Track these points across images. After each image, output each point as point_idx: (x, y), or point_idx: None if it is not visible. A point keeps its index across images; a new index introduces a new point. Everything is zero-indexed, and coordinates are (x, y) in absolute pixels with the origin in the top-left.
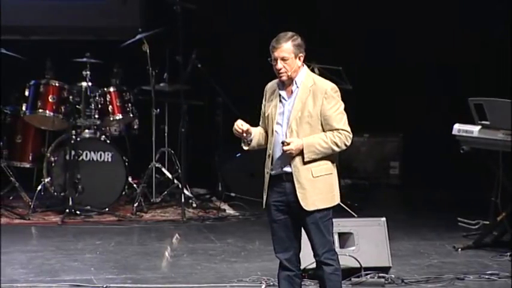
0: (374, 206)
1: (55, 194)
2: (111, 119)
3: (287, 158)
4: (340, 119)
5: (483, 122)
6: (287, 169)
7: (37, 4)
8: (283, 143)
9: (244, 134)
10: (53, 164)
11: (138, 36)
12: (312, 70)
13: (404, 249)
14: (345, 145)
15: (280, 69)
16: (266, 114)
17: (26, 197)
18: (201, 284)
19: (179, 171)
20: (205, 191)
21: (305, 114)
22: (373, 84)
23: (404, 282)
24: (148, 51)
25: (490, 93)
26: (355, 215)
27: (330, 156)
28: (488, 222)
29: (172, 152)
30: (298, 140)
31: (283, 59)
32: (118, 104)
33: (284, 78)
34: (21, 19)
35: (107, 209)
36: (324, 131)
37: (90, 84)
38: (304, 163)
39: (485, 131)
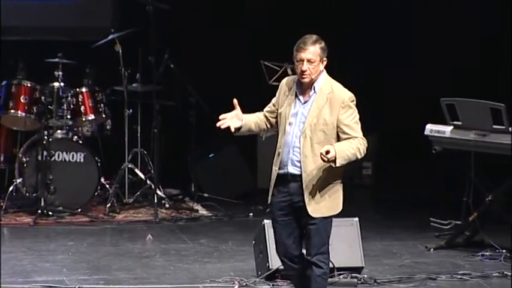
0: (347, 206)
1: (27, 194)
2: (84, 119)
3: (295, 159)
4: (358, 128)
5: (455, 123)
6: (294, 170)
7: (8, 4)
8: (322, 154)
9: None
10: (25, 165)
11: (110, 37)
12: (285, 70)
13: (377, 250)
14: (364, 153)
15: (305, 71)
16: (279, 111)
17: None
18: (173, 285)
19: (152, 171)
20: (178, 192)
21: (320, 122)
22: (346, 84)
23: (376, 282)
24: (120, 51)
25: (464, 93)
26: None
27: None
28: (460, 223)
29: (145, 152)
30: (331, 147)
31: (309, 61)
32: (90, 104)
33: (307, 80)
34: None
35: (79, 210)
36: (338, 140)
37: (62, 84)
38: (315, 169)
39: (457, 131)
